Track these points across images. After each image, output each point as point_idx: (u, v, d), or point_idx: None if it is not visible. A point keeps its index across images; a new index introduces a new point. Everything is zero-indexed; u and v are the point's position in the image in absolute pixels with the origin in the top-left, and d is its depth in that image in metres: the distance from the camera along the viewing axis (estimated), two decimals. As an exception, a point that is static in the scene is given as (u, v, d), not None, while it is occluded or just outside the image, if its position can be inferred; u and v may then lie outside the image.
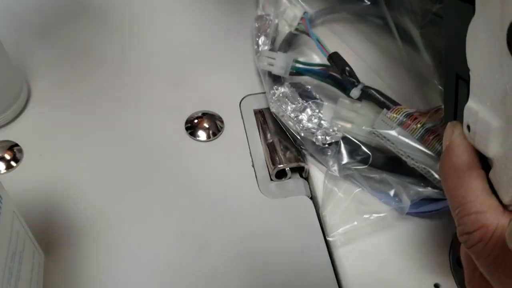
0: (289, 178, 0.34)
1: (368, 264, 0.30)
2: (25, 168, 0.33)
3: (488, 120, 0.20)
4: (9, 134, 0.35)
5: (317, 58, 0.38)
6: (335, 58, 0.34)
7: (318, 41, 0.35)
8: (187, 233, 0.31)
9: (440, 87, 0.35)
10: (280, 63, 0.36)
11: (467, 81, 0.22)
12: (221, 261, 0.30)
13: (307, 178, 0.34)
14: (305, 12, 0.37)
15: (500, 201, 0.20)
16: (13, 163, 0.34)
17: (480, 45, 0.21)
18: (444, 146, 0.23)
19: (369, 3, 0.39)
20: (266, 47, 0.39)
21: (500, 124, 0.20)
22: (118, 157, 0.34)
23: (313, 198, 0.33)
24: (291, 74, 0.36)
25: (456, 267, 0.30)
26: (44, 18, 0.43)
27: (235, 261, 0.30)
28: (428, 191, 0.30)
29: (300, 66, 0.36)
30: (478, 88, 0.21)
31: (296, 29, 0.38)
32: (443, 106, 0.31)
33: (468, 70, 0.22)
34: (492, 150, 0.20)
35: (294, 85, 0.35)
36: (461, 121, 0.23)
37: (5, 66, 0.34)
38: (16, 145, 0.35)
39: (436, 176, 0.30)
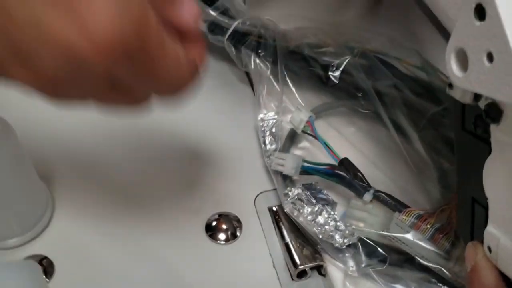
0: (309, 276, 0.36)
1: None
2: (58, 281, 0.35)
3: (511, 248, 0.24)
4: (37, 247, 0.36)
5: (322, 156, 0.41)
6: (345, 163, 0.37)
7: (326, 145, 0.38)
8: None
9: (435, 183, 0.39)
10: (290, 164, 0.39)
11: (484, 207, 0.26)
12: None
13: (324, 275, 0.36)
14: (310, 116, 0.40)
15: None
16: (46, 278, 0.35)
17: (499, 181, 0.24)
18: (469, 266, 0.26)
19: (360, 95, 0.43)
20: (273, 146, 0.41)
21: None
22: (142, 265, 0.36)
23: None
24: (301, 173, 0.39)
25: None
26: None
27: None
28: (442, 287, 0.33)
29: (309, 165, 0.39)
30: (498, 217, 0.25)
31: (302, 131, 0.41)
32: (443, 207, 0.35)
33: (485, 197, 0.25)
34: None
35: (307, 186, 0.38)
36: (478, 240, 0.27)
37: (34, 183, 0.36)
38: (46, 257, 0.36)
39: (448, 273, 0.33)
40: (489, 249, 0.25)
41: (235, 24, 0.45)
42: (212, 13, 0.46)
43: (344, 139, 0.43)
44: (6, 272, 0.24)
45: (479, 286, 0.25)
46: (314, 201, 0.36)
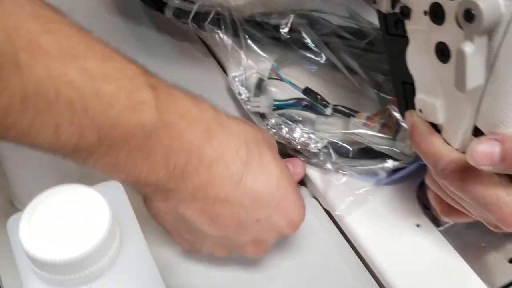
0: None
1: (369, 221, 0.44)
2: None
3: (433, 102, 0.35)
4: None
5: (283, 95, 0.52)
6: (308, 90, 0.48)
7: (290, 82, 0.49)
8: None
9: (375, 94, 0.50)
10: (264, 104, 0.49)
11: (411, 84, 0.37)
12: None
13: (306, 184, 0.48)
14: (272, 64, 0.51)
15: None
16: None
17: (417, 60, 0.35)
18: (409, 126, 0.38)
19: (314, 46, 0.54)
20: (247, 94, 0.52)
21: (441, 102, 0.34)
22: None
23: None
24: (274, 110, 0.50)
25: (423, 208, 0.45)
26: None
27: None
28: (394, 164, 0.45)
29: (279, 102, 0.50)
30: (421, 85, 0.36)
31: (269, 78, 0.52)
32: (384, 108, 0.47)
33: (410, 76, 0.37)
34: (440, 119, 0.35)
35: (280, 114, 0.48)
36: (411, 108, 0.38)
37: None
38: None
39: (397, 150, 0.44)
40: (420, 111, 0.37)
41: (195, 7, 0.55)
42: (176, 1, 0.56)
43: (302, 81, 0.54)
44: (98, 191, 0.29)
45: (417, 135, 0.36)
46: (289, 122, 0.47)
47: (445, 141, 0.36)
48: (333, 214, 0.45)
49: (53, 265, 0.27)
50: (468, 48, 0.28)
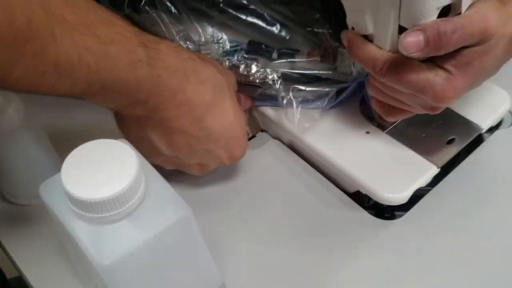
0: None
1: (325, 138, 0.51)
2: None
3: (362, 17, 0.42)
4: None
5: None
6: (251, 43, 0.55)
7: (234, 40, 0.56)
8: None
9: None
10: (215, 51, 0.55)
11: (340, 7, 0.44)
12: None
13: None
14: (213, 30, 0.57)
15: None
16: None
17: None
18: (346, 43, 0.45)
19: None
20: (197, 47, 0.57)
21: (368, 15, 0.42)
22: None
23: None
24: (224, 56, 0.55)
25: (367, 118, 0.53)
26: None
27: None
28: (337, 86, 0.52)
29: (230, 49, 0.55)
30: (349, 5, 0.43)
31: (212, 42, 0.57)
32: (319, 42, 0.54)
33: (338, 2, 0.44)
34: (370, 29, 0.42)
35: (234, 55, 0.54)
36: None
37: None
38: None
39: (337, 74, 0.52)
40: (353, 28, 0.44)
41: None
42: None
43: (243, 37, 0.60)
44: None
45: (354, 47, 0.43)
46: (244, 60, 0.52)
47: (378, 47, 0.43)
48: (293, 138, 0.53)
49: (96, 204, 0.32)
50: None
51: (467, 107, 0.53)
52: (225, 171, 0.53)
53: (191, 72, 0.44)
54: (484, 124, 0.52)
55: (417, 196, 0.50)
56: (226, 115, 0.46)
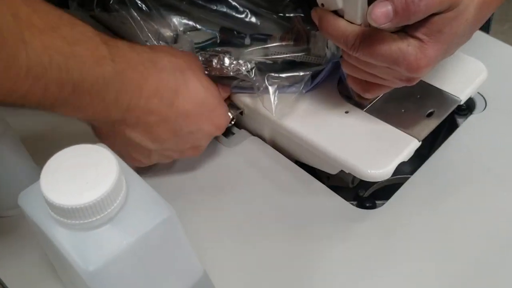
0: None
1: (306, 120, 0.51)
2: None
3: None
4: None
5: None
6: (223, 30, 0.54)
7: (205, 27, 0.55)
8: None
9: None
10: (186, 47, 0.54)
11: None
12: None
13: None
14: (184, 21, 0.57)
15: None
16: None
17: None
18: (316, 21, 0.44)
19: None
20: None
21: (337, -11, 0.41)
22: None
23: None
24: (197, 52, 0.55)
25: (346, 98, 0.52)
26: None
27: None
28: (312, 69, 0.52)
29: (199, 45, 0.55)
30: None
31: (184, 32, 0.57)
32: (291, 26, 0.53)
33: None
34: (339, 3, 0.42)
35: (205, 49, 0.54)
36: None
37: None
38: None
39: (312, 57, 0.51)
40: (322, 5, 0.44)
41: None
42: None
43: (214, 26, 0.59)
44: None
45: (325, 24, 0.43)
46: (216, 54, 0.52)
47: (349, 22, 0.43)
48: (272, 126, 0.52)
49: (77, 211, 0.32)
50: None
51: (445, 80, 0.53)
52: (206, 169, 0.53)
53: (149, 64, 0.44)
54: (462, 95, 0.52)
55: (396, 185, 0.51)
56: (195, 93, 0.47)
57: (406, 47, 0.40)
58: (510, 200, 0.49)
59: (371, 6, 0.39)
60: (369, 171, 0.46)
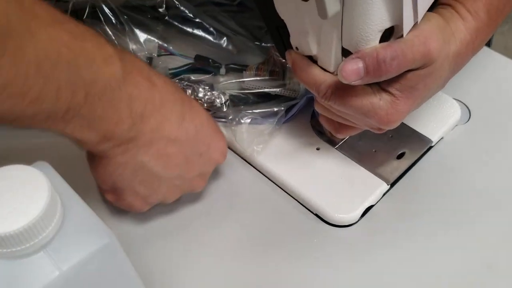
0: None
1: (276, 155, 0.50)
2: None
3: (305, 37, 0.41)
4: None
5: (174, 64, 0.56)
6: (198, 57, 0.53)
7: (180, 54, 0.54)
8: None
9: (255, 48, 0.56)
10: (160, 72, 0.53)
11: (283, 27, 0.43)
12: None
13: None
14: (158, 42, 0.55)
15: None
16: None
17: (284, 4, 0.41)
18: (290, 63, 0.44)
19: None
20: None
21: (311, 35, 0.41)
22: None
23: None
24: (172, 78, 0.54)
25: (318, 133, 0.52)
26: None
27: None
28: (286, 104, 0.51)
29: (174, 71, 0.54)
30: (292, 26, 0.42)
31: (158, 55, 0.56)
32: (268, 57, 0.53)
33: (282, 21, 0.43)
34: (314, 50, 0.41)
35: (179, 79, 0.53)
36: (289, 48, 0.44)
37: None
38: None
39: (287, 91, 0.51)
40: (297, 48, 0.43)
41: (70, 5, 0.58)
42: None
43: (191, 51, 0.58)
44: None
45: (298, 69, 0.42)
46: (190, 84, 0.51)
47: (322, 68, 0.42)
48: (243, 157, 0.51)
49: (6, 238, 0.29)
50: (322, -17, 0.34)
51: (418, 119, 0.53)
52: None
53: (152, 73, 0.41)
54: (434, 137, 0.51)
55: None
56: (200, 113, 0.45)
57: (378, 101, 0.40)
58: (495, 214, 0.48)
59: (342, 63, 0.38)
60: (336, 215, 0.46)
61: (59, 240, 0.31)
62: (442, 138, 0.53)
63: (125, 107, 0.38)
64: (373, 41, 0.38)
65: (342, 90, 0.40)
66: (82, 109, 0.35)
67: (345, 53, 0.40)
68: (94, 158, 0.42)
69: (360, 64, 0.37)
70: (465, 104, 0.56)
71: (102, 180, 0.43)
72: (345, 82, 0.38)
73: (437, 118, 0.53)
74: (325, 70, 0.42)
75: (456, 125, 0.54)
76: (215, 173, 0.50)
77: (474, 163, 0.51)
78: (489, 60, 0.60)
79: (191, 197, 0.49)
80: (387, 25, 0.37)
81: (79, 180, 0.48)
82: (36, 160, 0.35)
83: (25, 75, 0.31)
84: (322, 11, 0.36)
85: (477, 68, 0.58)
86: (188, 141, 0.43)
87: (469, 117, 0.55)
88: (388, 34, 0.39)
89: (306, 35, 0.41)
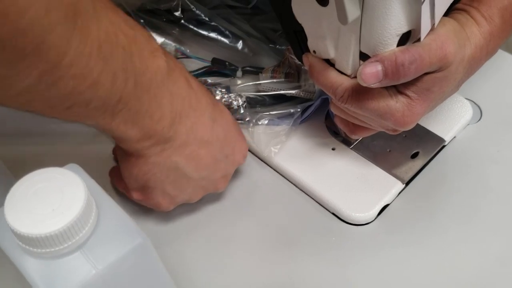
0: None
1: (293, 156, 0.51)
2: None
3: (323, 41, 0.42)
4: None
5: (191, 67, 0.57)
6: (215, 60, 0.54)
7: (197, 57, 0.55)
8: None
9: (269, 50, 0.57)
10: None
11: (301, 31, 0.44)
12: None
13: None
14: (175, 46, 0.56)
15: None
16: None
17: (302, 9, 0.42)
18: (307, 67, 0.45)
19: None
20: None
21: (329, 39, 0.42)
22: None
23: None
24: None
25: (333, 134, 0.53)
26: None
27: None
28: (302, 105, 0.52)
29: (193, 73, 0.55)
30: (310, 30, 0.43)
31: (176, 57, 0.57)
32: (284, 59, 0.54)
33: (300, 25, 0.44)
34: (331, 53, 0.42)
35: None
36: (306, 51, 0.45)
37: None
38: None
39: (302, 93, 0.52)
40: (314, 52, 0.44)
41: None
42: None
43: (208, 53, 0.59)
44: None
45: (315, 72, 0.43)
46: (208, 87, 0.52)
47: (340, 71, 0.43)
48: (260, 158, 0.52)
49: (44, 239, 0.30)
50: (344, -11, 0.35)
51: (430, 119, 0.54)
52: None
53: (187, 73, 0.42)
54: (447, 136, 0.52)
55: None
56: (226, 116, 0.46)
57: (394, 103, 0.41)
58: (508, 211, 0.49)
59: (361, 66, 0.39)
60: (353, 215, 0.47)
61: (95, 240, 0.33)
62: (454, 137, 0.54)
63: (167, 104, 0.39)
64: (391, 45, 0.39)
65: (359, 93, 0.41)
66: (131, 101, 0.36)
67: (363, 56, 0.41)
68: (128, 158, 0.43)
69: (379, 67, 0.38)
70: (476, 104, 0.57)
71: (134, 179, 0.44)
72: (364, 84, 0.39)
73: (450, 118, 0.54)
74: (342, 73, 0.43)
75: (468, 124, 0.55)
76: (234, 174, 0.51)
77: (486, 161, 0.52)
78: (501, 60, 0.61)
79: (211, 196, 0.50)
80: (405, 29, 0.38)
81: (106, 181, 0.50)
82: (65, 163, 0.36)
83: (89, 55, 0.31)
84: (342, 17, 0.37)
85: (489, 68, 0.59)
86: (217, 143, 0.44)
87: (481, 116, 0.56)
88: (406, 38, 0.40)
89: (324, 39, 0.42)
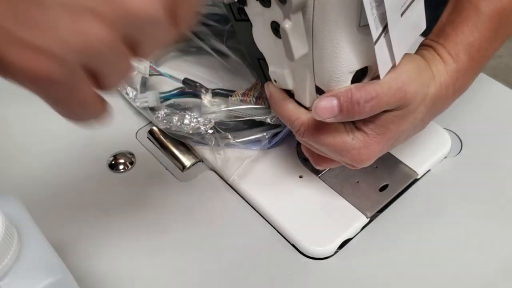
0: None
1: (259, 182, 0.50)
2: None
3: (282, 72, 0.41)
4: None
5: (168, 88, 0.56)
6: (186, 80, 0.53)
7: (170, 75, 0.54)
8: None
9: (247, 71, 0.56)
10: (151, 98, 0.54)
11: (264, 59, 0.43)
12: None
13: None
14: (150, 61, 0.56)
15: (305, 108, 0.42)
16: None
17: (262, 39, 0.41)
18: (268, 96, 0.44)
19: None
20: (134, 93, 0.56)
21: (287, 70, 0.40)
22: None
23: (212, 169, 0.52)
24: (161, 102, 0.54)
25: (303, 161, 0.51)
26: None
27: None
28: (270, 132, 0.51)
29: (164, 94, 0.54)
30: (270, 59, 0.42)
31: (150, 74, 0.56)
32: (256, 82, 0.53)
33: (261, 53, 0.43)
34: (290, 85, 0.41)
35: (168, 105, 0.53)
36: (269, 80, 0.44)
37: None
38: None
39: (270, 119, 0.50)
40: (275, 81, 0.43)
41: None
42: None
43: (183, 71, 0.58)
44: None
45: (274, 102, 0.43)
46: (177, 111, 0.52)
47: (298, 103, 0.42)
48: (228, 182, 0.51)
49: None
50: (287, 24, 0.34)
51: (405, 150, 0.52)
52: (151, 204, 0.50)
53: None
54: (420, 169, 0.51)
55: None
56: None
57: (350, 140, 0.40)
58: (479, 252, 0.46)
59: (317, 100, 0.38)
60: (312, 248, 0.46)
61: (14, 274, 0.32)
62: (429, 170, 0.52)
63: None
64: (344, 82, 0.38)
65: (315, 127, 0.40)
66: None
67: (319, 90, 0.40)
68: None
69: (334, 102, 0.37)
70: (457, 135, 0.55)
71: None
72: (318, 118, 0.38)
73: (425, 149, 0.52)
74: (301, 105, 0.42)
75: (445, 157, 0.53)
76: (197, 197, 0.50)
77: (460, 200, 0.50)
78: (488, 87, 0.59)
79: (168, 219, 0.49)
80: (358, 67, 0.37)
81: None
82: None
83: None
84: (289, 53, 0.36)
85: (474, 96, 0.56)
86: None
87: (461, 149, 0.54)
88: (362, 74, 0.38)
89: (282, 70, 0.41)
